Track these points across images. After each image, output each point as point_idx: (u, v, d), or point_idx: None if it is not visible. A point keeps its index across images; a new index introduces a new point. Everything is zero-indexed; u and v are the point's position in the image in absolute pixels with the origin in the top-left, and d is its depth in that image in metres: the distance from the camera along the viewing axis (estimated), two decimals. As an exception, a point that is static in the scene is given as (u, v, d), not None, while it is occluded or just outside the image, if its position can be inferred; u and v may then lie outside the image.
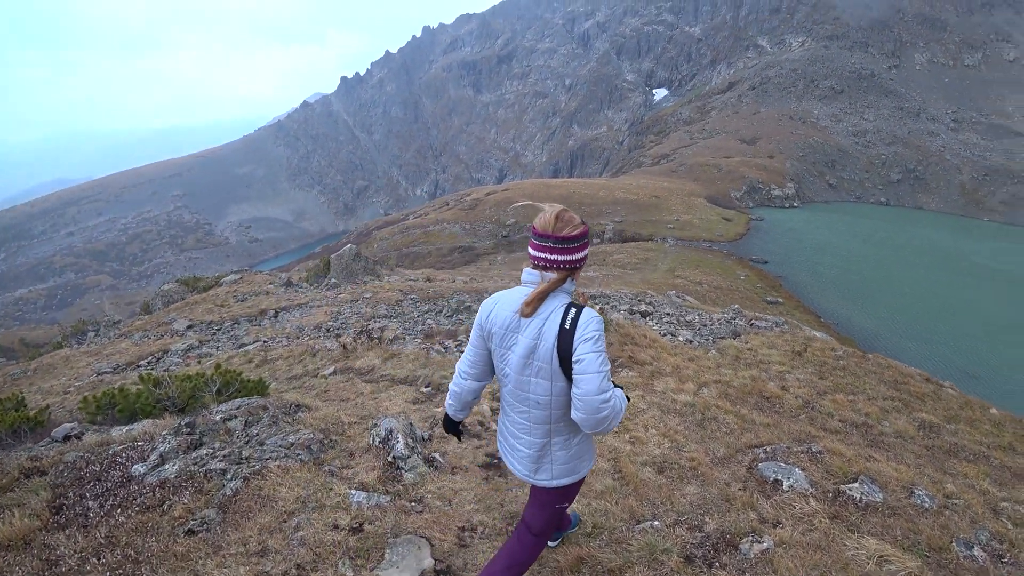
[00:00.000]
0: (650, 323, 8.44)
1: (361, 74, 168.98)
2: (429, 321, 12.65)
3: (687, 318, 9.33)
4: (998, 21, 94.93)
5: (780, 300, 29.47)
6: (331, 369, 7.69)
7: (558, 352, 2.02)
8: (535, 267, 2.12)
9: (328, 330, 12.40)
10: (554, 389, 2.10)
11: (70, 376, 11.91)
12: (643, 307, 10.93)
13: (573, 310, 2.04)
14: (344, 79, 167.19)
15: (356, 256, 21.62)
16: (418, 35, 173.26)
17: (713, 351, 6.78)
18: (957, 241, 49.10)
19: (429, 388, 5.78)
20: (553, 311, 2.06)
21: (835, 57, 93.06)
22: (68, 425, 5.74)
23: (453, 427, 2.55)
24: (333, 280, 20.45)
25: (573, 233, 2.06)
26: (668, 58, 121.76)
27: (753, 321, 9.02)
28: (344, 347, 8.47)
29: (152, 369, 11.53)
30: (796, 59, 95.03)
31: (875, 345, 25.29)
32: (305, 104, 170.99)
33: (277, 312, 15.51)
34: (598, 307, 8.85)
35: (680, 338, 7.49)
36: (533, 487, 2.41)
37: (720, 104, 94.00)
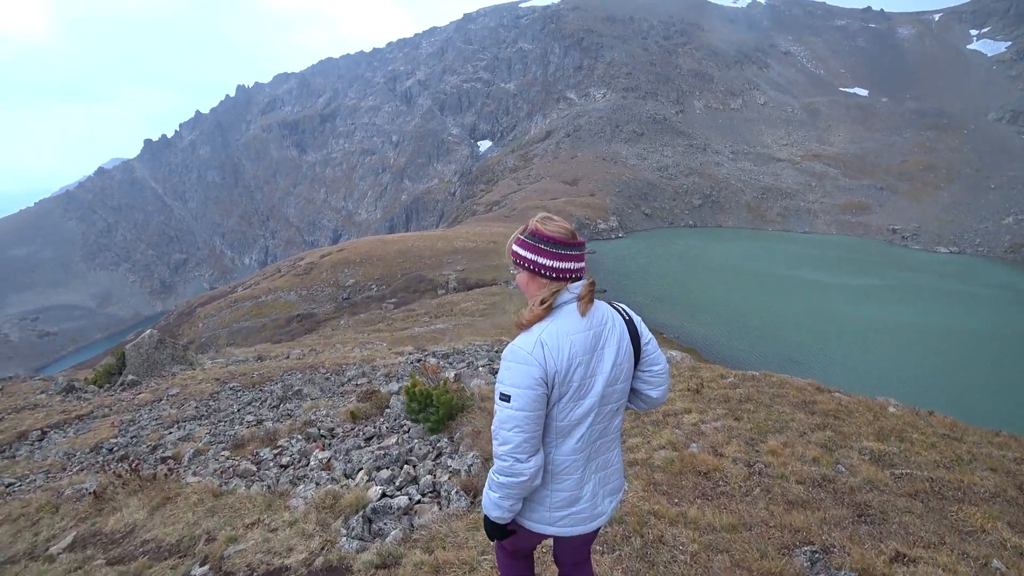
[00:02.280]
0: None
1: (169, 136, 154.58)
2: (249, 416, 10.43)
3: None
4: (748, 74, 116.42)
5: (623, 327, 30.46)
6: (68, 539, 5.32)
7: (632, 344, 2.04)
8: (562, 279, 1.96)
9: (111, 450, 9.65)
10: (628, 386, 2.09)
11: None
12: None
13: (618, 306, 2.12)
14: (148, 142, 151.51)
15: (159, 343, 18.02)
16: (232, 94, 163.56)
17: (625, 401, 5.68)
18: (752, 249, 58.21)
19: (205, 568, 3.84)
20: (611, 312, 2.05)
21: (632, 105, 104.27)
22: None
23: (505, 531, 2.10)
24: (131, 377, 16.69)
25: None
26: (488, 112, 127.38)
27: None
28: (95, 495, 6.16)
29: None
30: (601, 108, 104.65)
31: (713, 349, 27.46)
32: (101, 171, 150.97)
33: (44, 432, 12.00)
34: (452, 373, 7.53)
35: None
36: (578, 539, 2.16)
37: (541, 151, 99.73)
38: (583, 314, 1.93)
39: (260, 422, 10.02)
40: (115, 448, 9.85)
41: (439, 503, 3.88)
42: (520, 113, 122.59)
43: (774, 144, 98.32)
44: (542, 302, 1.94)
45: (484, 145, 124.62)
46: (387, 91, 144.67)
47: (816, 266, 50.17)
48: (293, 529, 3.92)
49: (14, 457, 10.86)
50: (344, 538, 3.65)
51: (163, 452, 9.01)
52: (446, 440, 4.80)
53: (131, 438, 10.28)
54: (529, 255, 1.97)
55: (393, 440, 4.88)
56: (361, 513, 3.86)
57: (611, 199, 74.69)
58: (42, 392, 16.88)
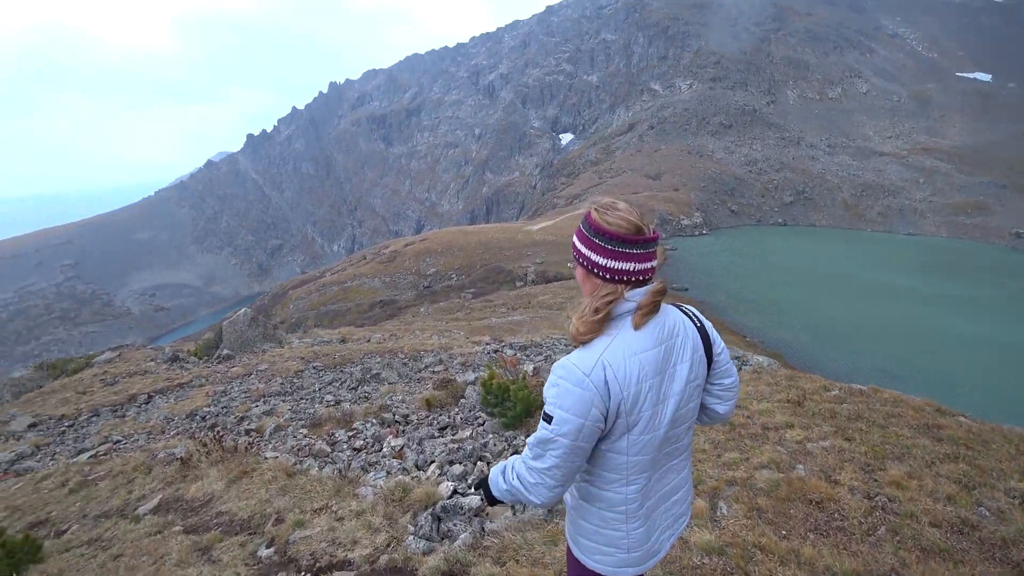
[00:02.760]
0: None
1: (268, 131, 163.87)
2: (328, 396, 10.61)
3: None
4: (849, 60, 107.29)
5: (706, 325, 29.24)
6: (155, 502, 5.50)
7: (705, 355, 1.77)
8: (620, 281, 1.61)
9: (203, 418, 10.18)
10: (699, 403, 1.82)
11: None
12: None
13: (687, 310, 1.83)
14: (250, 136, 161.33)
15: (252, 321, 18.92)
16: (325, 91, 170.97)
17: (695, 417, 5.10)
18: (847, 251, 53.67)
19: (271, 551, 3.74)
20: (682, 318, 1.74)
21: (720, 96, 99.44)
22: None
23: (493, 501, 1.82)
24: (226, 351, 17.63)
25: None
26: (570, 104, 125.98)
27: None
28: (182, 461, 6.29)
29: None
30: (687, 100, 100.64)
31: (800, 357, 25.72)
32: (210, 163, 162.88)
33: (150, 397, 12.88)
34: (531, 366, 7.17)
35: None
36: None
37: (623, 144, 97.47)
38: (638, 327, 1.60)
39: (338, 403, 10.15)
40: (207, 416, 10.34)
41: (513, 508, 3.55)
42: (602, 105, 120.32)
43: (877, 137, 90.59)
44: (595, 311, 1.61)
45: (566, 138, 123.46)
46: (470, 85, 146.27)
47: (921, 272, 45.28)
48: (359, 520, 3.72)
49: (123, 417, 11.70)
50: (411, 536, 3.40)
51: (248, 424, 9.33)
52: (523, 438, 4.47)
53: (222, 408, 10.75)
54: (584, 249, 1.65)
55: (467, 433, 4.62)
56: (431, 510, 3.60)
57: (695, 194, 71.62)
58: (151, 360, 18.19)
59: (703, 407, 1.86)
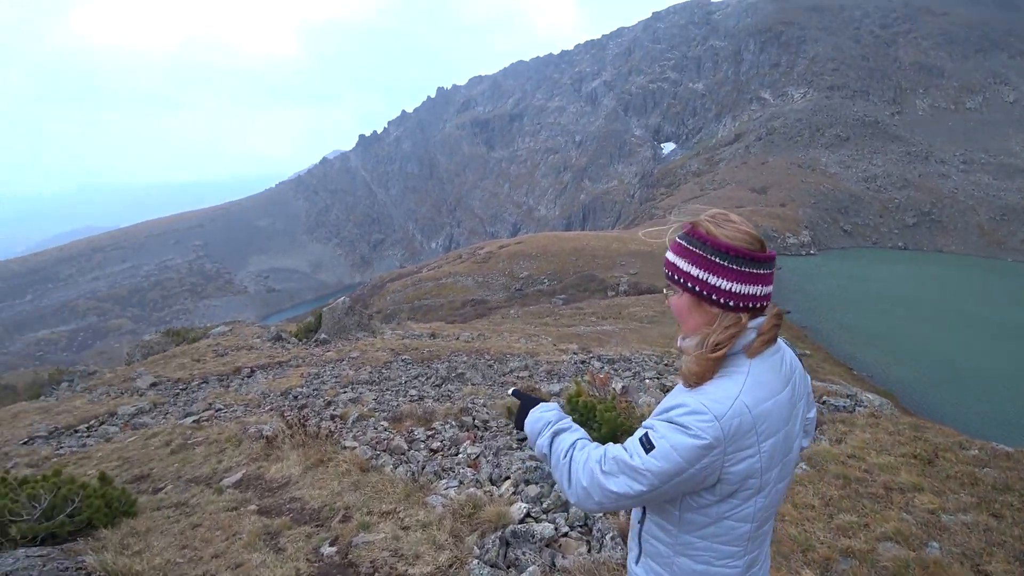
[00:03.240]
0: None
1: (378, 132, 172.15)
2: (412, 391, 10.64)
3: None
4: (994, 65, 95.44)
5: (808, 352, 27.08)
6: (238, 476, 5.64)
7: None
8: (743, 309, 1.31)
9: (295, 398, 10.52)
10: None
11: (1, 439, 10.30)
12: (674, 378, 8.80)
13: (779, 342, 1.42)
14: (362, 137, 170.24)
15: (349, 310, 19.63)
16: (433, 96, 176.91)
17: (801, 466, 4.41)
18: (980, 282, 47.52)
19: (334, 549, 3.58)
20: (788, 350, 1.45)
21: (838, 106, 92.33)
22: None
23: (519, 427, 1.65)
24: (323, 336, 18.43)
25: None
26: (674, 113, 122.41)
27: (824, 397, 6.77)
28: (268, 440, 6.39)
29: (88, 435, 10.01)
30: (800, 110, 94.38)
31: (916, 399, 23.13)
32: (325, 160, 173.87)
33: (253, 371, 13.61)
34: (619, 384, 6.72)
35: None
36: None
37: (728, 155, 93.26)
38: (758, 355, 1.32)
39: (421, 398, 10.15)
40: (299, 396, 10.70)
41: (588, 543, 3.18)
42: (708, 115, 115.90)
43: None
44: (716, 346, 1.30)
45: (667, 147, 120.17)
46: (573, 92, 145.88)
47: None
48: (425, 533, 3.50)
49: (227, 387, 12.45)
50: (475, 560, 3.12)
51: (334, 409, 9.52)
52: (605, 463, 4.10)
53: (313, 390, 11.10)
54: (696, 271, 1.32)
55: (545, 450, 4.32)
56: (500, 533, 3.30)
57: (805, 211, 66.92)
58: (258, 337, 19.41)
59: None
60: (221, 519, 4.49)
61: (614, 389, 5.64)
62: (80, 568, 3.61)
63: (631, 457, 1.29)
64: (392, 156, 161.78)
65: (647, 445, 1.28)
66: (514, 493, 3.86)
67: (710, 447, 1.23)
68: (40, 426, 10.81)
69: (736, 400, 1.25)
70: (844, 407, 6.53)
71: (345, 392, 10.71)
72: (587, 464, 1.36)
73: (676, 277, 1.37)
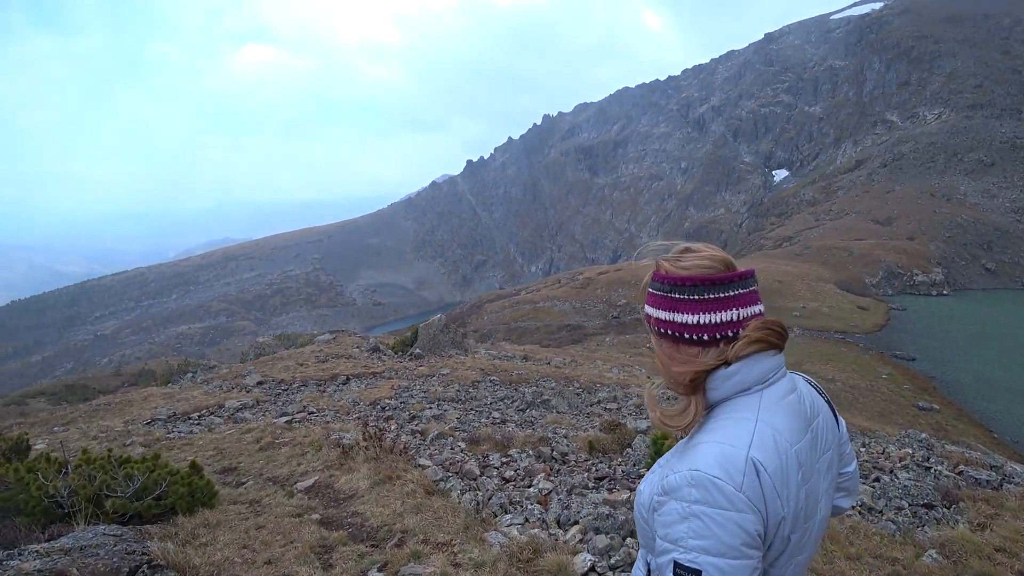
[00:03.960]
0: None
1: (485, 157, 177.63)
2: (496, 413, 10.41)
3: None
4: None
5: (935, 406, 24.00)
6: (310, 482, 5.64)
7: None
8: (723, 338, 1.17)
9: (383, 408, 10.64)
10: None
11: (129, 417, 11.36)
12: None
13: (807, 379, 1.31)
14: (469, 162, 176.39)
15: (444, 327, 19.95)
16: (538, 123, 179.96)
17: (931, 554, 3.49)
18: None
19: (381, 575, 3.34)
20: (808, 390, 1.26)
21: (981, 127, 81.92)
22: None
23: None
24: (417, 351, 18.83)
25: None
26: (787, 138, 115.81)
27: (961, 467, 5.62)
28: (343, 451, 6.33)
29: (197, 423, 10.77)
30: (933, 132, 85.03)
31: None
32: (433, 183, 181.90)
33: (348, 379, 14.07)
34: None
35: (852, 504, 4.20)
36: None
37: (847, 183, 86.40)
38: (734, 358, 1.15)
39: (504, 422, 9.89)
40: (386, 408, 10.83)
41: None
42: (825, 140, 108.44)
43: None
44: (686, 384, 1.15)
45: (779, 175, 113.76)
46: (679, 118, 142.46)
47: None
48: (475, 575, 3.16)
49: (323, 392, 12.92)
50: (528, 617, 2.74)
51: (416, 424, 9.50)
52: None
53: (400, 403, 11.19)
54: (662, 313, 1.19)
55: (624, 496, 3.83)
56: (559, 588, 2.91)
57: (936, 245, 59.95)
58: (357, 347, 20.20)
59: None
60: (284, 524, 4.46)
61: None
62: (145, 554, 3.65)
63: None
64: (497, 181, 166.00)
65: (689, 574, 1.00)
66: (580, 541, 3.44)
67: (747, 524, 1.00)
68: (162, 410, 11.82)
69: (748, 454, 1.02)
70: (988, 481, 5.38)
71: (430, 408, 10.72)
72: None
73: (649, 325, 1.25)
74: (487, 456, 6.62)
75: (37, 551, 3.59)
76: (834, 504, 1.34)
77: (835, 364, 27.07)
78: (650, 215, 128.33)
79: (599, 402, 10.74)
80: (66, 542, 3.84)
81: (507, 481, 5.64)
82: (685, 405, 1.19)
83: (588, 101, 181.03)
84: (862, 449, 6.66)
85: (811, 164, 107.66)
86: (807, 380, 1.32)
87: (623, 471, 5.27)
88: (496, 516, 4.27)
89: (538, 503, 4.43)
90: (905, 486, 4.70)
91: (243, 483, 6.40)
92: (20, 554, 3.61)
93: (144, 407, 13.02)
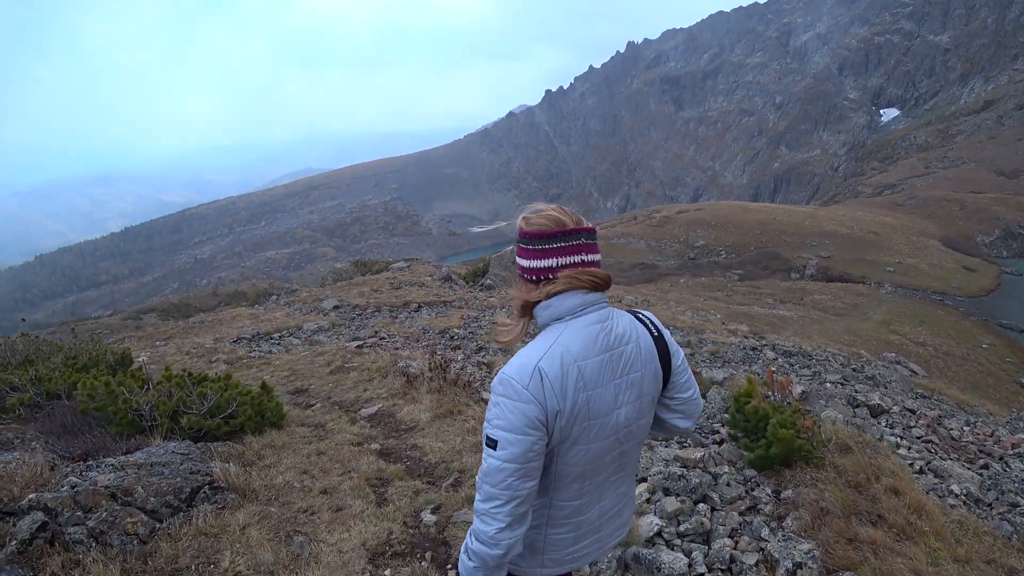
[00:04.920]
0: (887, 435, 4.79)
1: (564, 88, 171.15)
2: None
3: (949, 430, 5.45)
4: None
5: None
6: (373, 409, 5.62)
7: (660, 366, 1.60)
8: (580, 285, 1.48)
9: (452, 338, 10.70)
10: (651, 418, 1.65)
11: (219, 335, 12.20)
12: (865, 390, 7.15)
13: (642, 317, 1.63)
14: (548, 92, 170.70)
15: (517, 259, 19.81)
16: (622, 50, 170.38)
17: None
18: None
19: (434, 518, 3.21)
20: (633, 325, 1.57)
21: None
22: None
23: None
24: (488, 282, 18.88)
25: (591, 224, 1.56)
26: (903, 72, 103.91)
27: None
28: (408, 379, 6.27)
29: (278, 343, 11.42)
30: (1087, 75, 74.10)
31: None
32: (510, 114, 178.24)
33: (420, 307, 14.32)
34: (799, 388, 5.52)
35: (953, 492, 3.70)
36: None
37: (970, 127, 77.19)
38: (620, 333, 1.51)
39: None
40: (455, 337, 10.88)
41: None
42: (950, 75, 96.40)
43: None
44: (523, 307, 1.52)
45: (888, 114, 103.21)
46: (778, 47, 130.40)
47: None
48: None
49: (395, 318, 13.23)
50: (588, 582, 2.50)
51: (483, 356, 9.43)
52: (769, 492, 3.16)
53: (469, 332, 11.18)
54: (518, 260, 1.55)
55: (698, 454, 3.49)
56: (620, 552, 2.65)
57: (1073, 203, 52.94)
58: (430, 276, 20.53)
59: (661, 421, 1.70)
60: (344, 452, 4.45)
61: (795, 400, 4.52)
62: (208, 474, 3.71)
63: (486, 464, 1.41)
64: (576, 112, 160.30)
65: (491, 443, 1.40)
66: (647, 501, 3.15)
67: (528, 412, 1.36)
68: (247, 329, 12.49)
69: (536, 365, 1.38)
70: None
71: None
72: (474, 530, 1.46)
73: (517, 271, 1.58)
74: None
75: (112, 464, 3.69)
76: (672, 423, 1.68)
77: (929, 327, 24.89)
78: (736, 153, 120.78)
79: (671, 346, 10.31)
80: (140, 456, 3.96)
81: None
82: (512, 325, 1.53)
83: (677, 27, 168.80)
84: (966, 428, 5.94)
85: (928, 103, 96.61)
86: (646, 320, 1.61)
87: (696, 424, 4.91)
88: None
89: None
90: (1021, 479, 4.08)
91: (312, 405, 6.55)
92: (98, 466, 3.74)
93: (232, 326, 13.84)
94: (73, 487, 3.41)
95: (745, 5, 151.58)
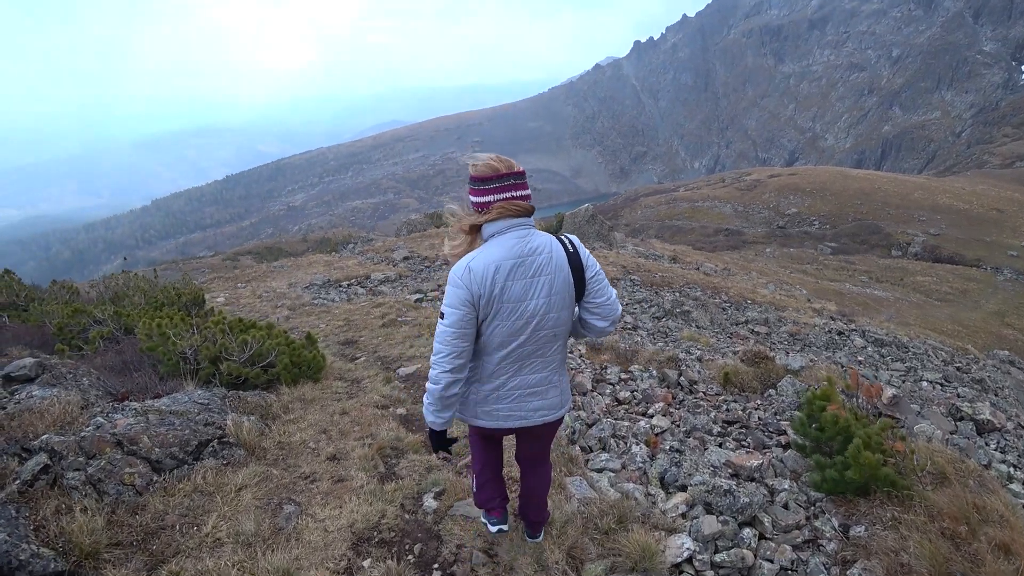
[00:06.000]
0: (997, 462, 3.85)
1: (655, 39, 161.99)
2: (628, 317, 9.57)
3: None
4: None
5: None
6: (412, 369, 5.44)
7: (572, 276, 2.07)
8: (507, 214, 2.02)
9: None
10: (569, 315, 2.14)
11: (293, 280, 12.52)
12: (970, 396, 6.11)
13: (563, 238, 2.11)
14: (637, 43, 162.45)
15: (591, 218, 19.11)
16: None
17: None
18: None
19: (434, 504, 2.95)
20: (550, 242, 2.06)
21: None
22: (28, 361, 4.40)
23: (444, 441, 2.27)
24: (560, 239, 18.33)
25: (521, 167, 2.09)
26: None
27: None
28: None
29: (346, 291, 11.59)
30: None
31: None
32: (597, 67, 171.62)
33: (482, 265, 13.99)
34: (890, 391, 4.67)
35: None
36: (532, 431, 2.30)
37: None
38: (532, 246, 2.01)
39: (635, 328, 9.09)
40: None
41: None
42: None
43: None
44: (460, 230, 2.09)
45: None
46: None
47: None
48: (540, 539, 2.54)
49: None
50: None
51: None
52: (836, 525, 2.53)
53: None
54: (469, 196, 2.08)
55: (755, 461, 2.91)
56: (639, 580, 2.18)
57: None
58: None
59: (585, 323, 2.18)
60: (367, 415, 4.21)
61: (884, 409, 3.75)
62: (221, 427, 3.56)
63: (438, 329, 2.06)
64: (666, 65, 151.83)
65: (441, 316, 2.02)
66: (683, 516, 2.64)
67: (460, 295, 1.97)
68: (319, 276, 12.75)
69: (467, 264, 1.98)
70: None
71: None
72: (428, 381, 2.11)
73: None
74: (605, 369, 5.91)
75: (135, 408, 3.62)
76: (591, 322, 2.16)
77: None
78: (842, 113, 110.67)
79: (746, 322, 9.40)
80: (165, 402, 3.88)
81: (619, 403, 4.92)
82: (461, 241, 2.10)
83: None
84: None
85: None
86: (565, 241, 2.09)
87: (760, 419, 4.26)
88: (591, 452, 3.59)
89: (646, 444, 3.67)
90: None
91: (357, 358, 6.42)
92: (123, 409, 3.67)
93: (308, 272, 14.18)
94: (98, 427, 3.35)
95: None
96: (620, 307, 2.16)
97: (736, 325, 9.28)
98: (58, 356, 5.65)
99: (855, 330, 9.00)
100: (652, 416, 4.37)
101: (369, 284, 12.31)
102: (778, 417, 4.27)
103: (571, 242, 2.08)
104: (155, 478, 3.08)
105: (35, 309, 7.45)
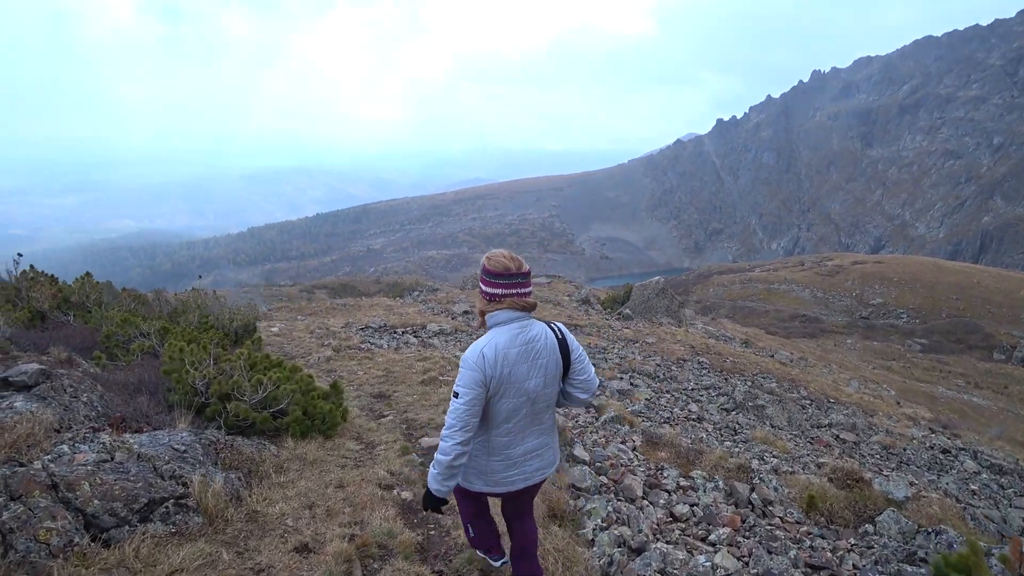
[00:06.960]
0: None
1: (737, 117, 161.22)
2: (694, 405, 8.47)
3: None
4: None
5: None
6: (436, 440, 4.73)
7: (562, 359, 2.39)
8: (512, 307, 2.30)
9: None
10: (557, 388, 2.46)
11: (351, 320, 12.34)
12: None
13: (553, 326, 2.44)
14: (719, 121, 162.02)
15: (661, 291, 17.99)
16: (805, 79, 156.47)
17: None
18: None
19: None
20: (545, 331, 2.38)
21: None
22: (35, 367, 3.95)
23: (439, 503, 2.43)
24: (627, 311, 17.31)
25: (528, 267, 2.38)
26: None
27: None
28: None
29: (399, 337, 11.17)
30: None
31: None
32: (678, 142, 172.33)
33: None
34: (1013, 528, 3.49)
35: None
36: (529, 488, 2.52)
37: None
38: (532, 336, 2.32)
39: (700, 419, 7.99)
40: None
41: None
42: None
43: None
44: (480, 313, 2.37)
45: None
46: (1003, 76, 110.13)
47: None
48: None
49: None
50: None
51: (598, 397, 8.10)
52: None
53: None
54: (481, 285, 2.36)
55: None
56: None
57: None
58: (568, 295, 19.70)
59: (569, 395, 2.49)
60: (364, 494, 3.54)
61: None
62: (184, 484, 2.93)
63: (451, 407, 2.23)
64: (748, 144, 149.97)
65: (455, 395, 2.21)
66: None
67: (476, 377, 2.18)
68: (376, 319, 12.45)
69: (481, 349, 2.21)
70: None
71: (620, 379, 9.41)
72: (438, 447, 2.29)
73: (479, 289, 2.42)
74: (661, 471, 4.92)
75: (104, 443, 3.09)
76: (574, 395, 2.47)
77: None
78: (935, 201, 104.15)
79: (830, 425, 8.05)
80: (143, 440, 3.41)
81: (674, 519, 3.95)
82: (479, 325, 2.49)
83: (872, 55, 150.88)
84: None
85: None
86: (555, 328, 2.42)
87: (855, 566, 3.18)
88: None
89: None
90: None
91: (384, 416, 5.85)
92: (92, 440, 3.16)
93: (368, 313, 13.95)
94: (55, 459, 2.82)
95: (960, 29, 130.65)
96: (598, 381, 2.38)
97: (818, 428, 7.97)
98: (95, 363, 5.39)
99: (964, 449, 7.41)
100: (715, 545, 3.39)
101: (423, 335, 11.80)
102: (879, 568, 3.17)
103: (559, 330, 2.42)
104: (76, 539, 2.46)
105: (96, 313, 7.42)
